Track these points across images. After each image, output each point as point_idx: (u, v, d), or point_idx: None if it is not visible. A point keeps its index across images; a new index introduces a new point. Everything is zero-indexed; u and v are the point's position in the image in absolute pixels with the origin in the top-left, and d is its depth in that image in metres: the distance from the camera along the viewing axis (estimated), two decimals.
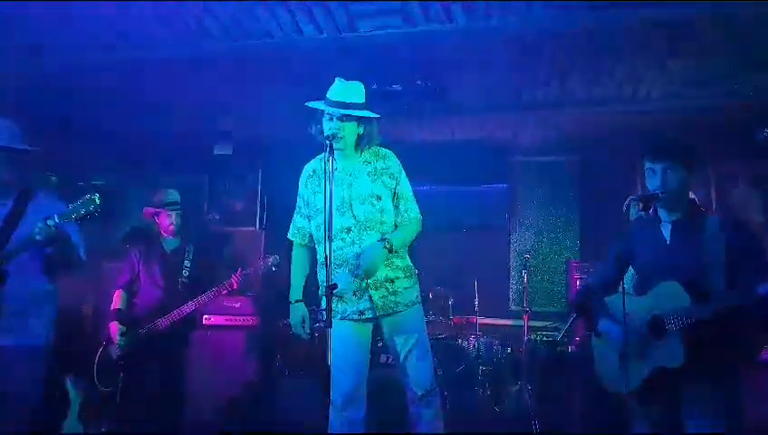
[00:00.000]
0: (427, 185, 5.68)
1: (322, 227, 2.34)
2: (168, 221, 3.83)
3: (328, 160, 2.34)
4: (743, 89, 3.95)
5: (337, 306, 2.58)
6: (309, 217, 2.71)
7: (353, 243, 2.58)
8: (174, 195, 3.89)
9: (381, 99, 3.35)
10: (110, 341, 3.72)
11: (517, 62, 3.61)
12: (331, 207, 2.29)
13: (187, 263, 3.83)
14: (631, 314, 2.28)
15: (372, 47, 3.20)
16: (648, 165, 2.35)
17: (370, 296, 2.55)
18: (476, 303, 4.84)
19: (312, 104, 2.52)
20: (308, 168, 2.73)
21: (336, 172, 2.57)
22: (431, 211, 5.61)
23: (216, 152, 5.84)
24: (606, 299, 2.49)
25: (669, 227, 2.38)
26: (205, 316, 4.89)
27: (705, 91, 4.06)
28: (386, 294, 2.57)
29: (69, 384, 3.69)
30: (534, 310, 4.83)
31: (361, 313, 2.58)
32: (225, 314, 4.96)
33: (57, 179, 5.70)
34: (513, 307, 5.45)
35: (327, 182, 2.25)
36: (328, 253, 2.28)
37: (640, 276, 2.50)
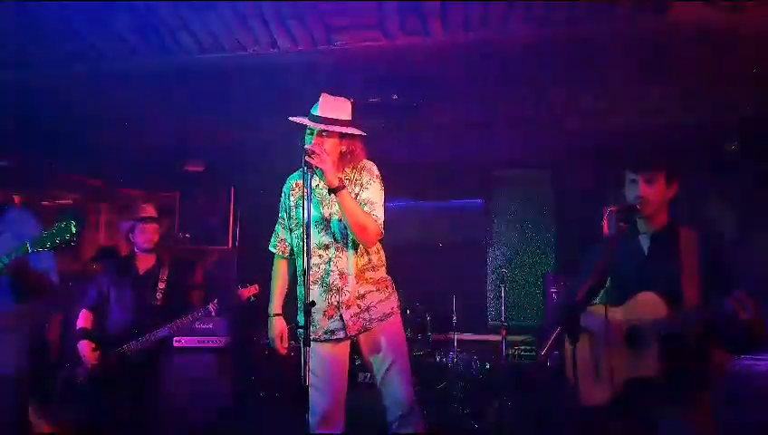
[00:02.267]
0: (404, 201, 5.69)
1: (301, 241, 2.31)
2: (145, 237, 3.62)
3: (307, 176, 2.29)
4: (712, 103, 4.04)
5: (309, 327, 2.46)
6: (291, 230, 2.64)
7: (330, 261, 2.51)
8: (150, 209, 3.72)
9: (358, 112, 3.29)
10: (76, 362, 3.49)
11: (494, 76, 3.62)
12: (309, 223, 2.24)
13: (161, 285, 3.64)
14: (608, 325, 2.25)
15: (349, 61, 3.15)
16: (629, 175, 2.34)
17: (341, 316, 2.47)
18: (454, 319, 4.81)
19: (294, 119, 2.46)
20: (291, 179, 2.67)
21: (317, 188, 2.52)
22: (408, 227, 5.78)
23: (187, 168, 5.67)
24: (583, 312, 2.47)
25: (648, 239, 2.38)
26: (176, 339, 4.73)
27: (677, 106, 4.14)
28: (357, 311, 2.49)
29: (32, 412, 3.45)
30: (512, 324, 4.79)
31: (333, 333, 2.50)
32: (197, 336, 4.80)
33: (20, 198, 5.54)
34: (491, 322, 5.42)
35: (305, 199, 2.21)
36: (306, 269, 2.21)
37: (618, 288, 2.47)
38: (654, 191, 2.28)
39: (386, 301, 2.54)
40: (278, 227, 2.71)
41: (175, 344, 4.75)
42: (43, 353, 4.60)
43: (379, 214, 2.49)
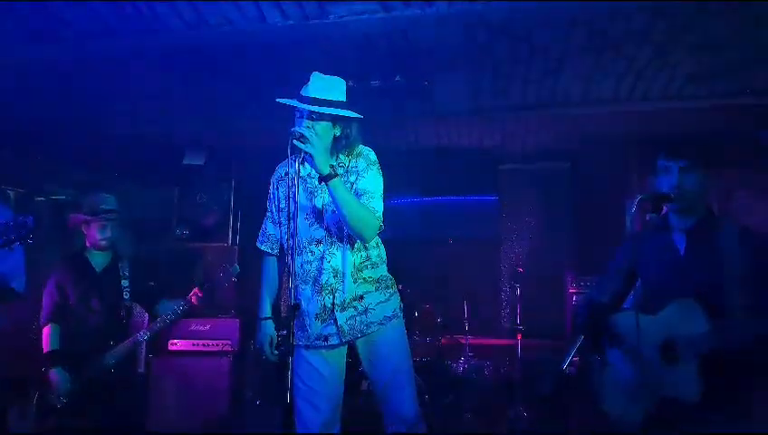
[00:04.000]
0: (410, 197, 5.48)
1: (291, 237, 2.14)
2: (100, 234, 3.21)
3: (294, 163, 2.08)
4: (747, 87, 3.68)
5: (299, 332, 2.31)
6: (280, 224, 2.43)
7: (323, 257, 2.27)
8: (110, 201, 3.28)
9: (358, 98, 3.01)
10: (46, 389, 3.08)
11: (505, 56, 3.32)
12: (296, 215, 2.07)
13: (124, 282, 3.28)
14: (641, 336, 1.97)
15: (345, 37, 2.86)
16: (662, 163, 2.11)
17: (335, 319, 2.25)
18: (466, 321, 4.58)
19: (283, 101, 2.23)
20: (280, 168, 2.46)
21: (308, 177, 2.30)
22: (415, 223, 5.63)
23: (185, 162, 5.42)
24: (611, 318, 2.19)
25: (683, 236, 2.10)
26: (170, 341, 4.51)
27: (706, 89, 3.79)
28: (354, 314, 2.26)
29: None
30: (528, 328, 4.52)
31: (325, 338, 2.28)
32: (192, 339, 4.55)
33: (14, 194, 5.38)
34: (505, 325, 5.19)
35: (292, 188, 2.08)
36: (291, 267, 2.02)
37: (649, 292, 2.22)
38: (691, 181, 2.04)
39: (386, 302, 2.32)
40: (266, 222, 2.50)
41: (170, 348, 4.54)
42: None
43: (377, 205, 2.26)
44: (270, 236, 2.48)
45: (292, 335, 1.96)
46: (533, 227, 5.36)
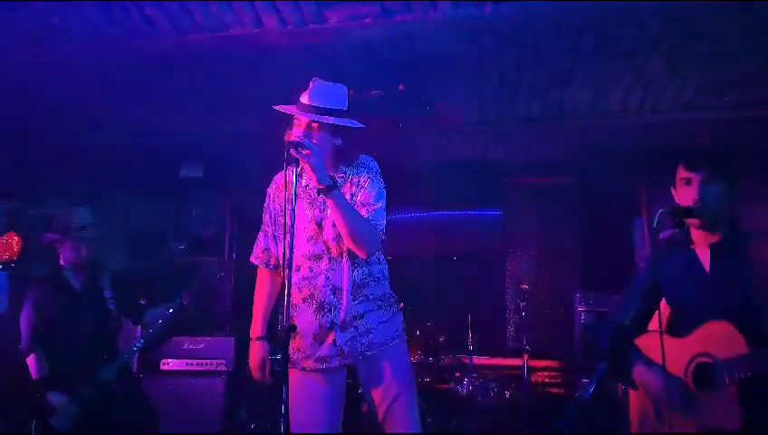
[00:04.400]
0: (411, 211, 5.37)
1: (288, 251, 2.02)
2: (75, 254, 2.95)
3: (291, 174, 1.98)
4: (759, 98, 3.56)
5: (296, 353, 2.18)
6: (276, 238, 2.31)
7: (321, 273, 2.14)
8: (85, 215, 3.02)
9: (359, 107, 2.88)
10: (45, 415, 2.87)
11: (512, 63, 3.20)
12: (293, 228, 1.92)
13: (107, 293, 3.08)
14: (671, 360, 1.83)
15: (345, 43, 2.74)
16: (683, 174, 1.97)
17: (334, 340, 2.11)
18: (470, 340, 4.38)
19: (281, 108, 2.12)
20: (278, 178, 2.33)
21: (306, 188, 2.19)
22: (416, 239, 5.49)
23: (182, 174, 5.32)
24: (636, 341, 2.05)
25: (708, 252, 1.96)
26: (163, 360, 4.32)
27: (717, 100, 3.67)
28: (354, 335, 2.13)
29: None
30: (535, 348, 4.36)
31: (324, 361, 2.14)
32: (185, 358, 4.35)
33: (7, 207, 5.27)
34: (510, 345, 5.00)
35: (290, 200, 1.96)
36: (287, 284, 1.86)
37: (676, 312, 2.06)
38: (714, 193, 1.91)
39: (389, 322, 2.19)
40: (261, 236, 2.37)
41: (162, 367, 4.36)
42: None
43: (379, 218, 2.13)
44: (265, 250, 2.36)
45: (287, 361, 1.83)
46: (539, 243, 5.19)
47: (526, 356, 4.20)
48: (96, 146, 4.69)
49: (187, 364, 4.32)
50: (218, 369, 4.27)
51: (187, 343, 4.31)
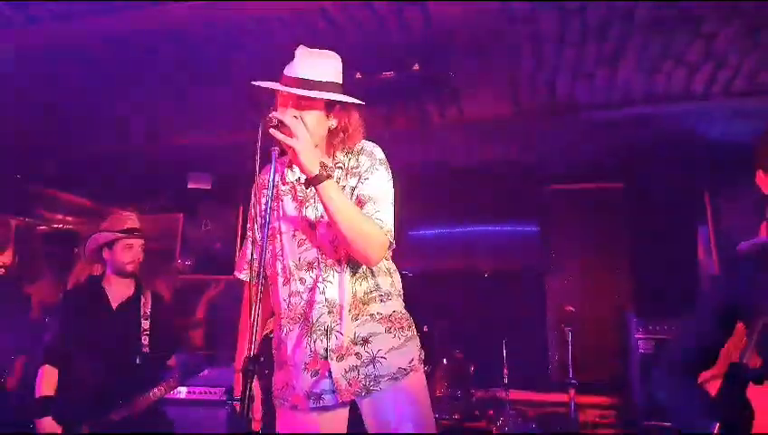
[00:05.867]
0: (437, 225, 5.07)
1: (280, 260, 1.80)
2: (126, 255, 2.81)
3: (274, 168, 1.62)
4: None
5: (284, 388, 1.83)
6: (262, 246, 1.88)
7: (315, 287, 1.77)
8: (135, 219, 2.94)
9: (367, 94, 2.43)
10: None
11: (551, 36, 2.70)
12: (279, 232, 1.74)
13: (144, 323, 2.82)
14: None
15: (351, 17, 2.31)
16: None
17: (330, 371, 1.75)
18: (505, 371, 3.99)
19: (260, 84, 1.77)
20: (263, 173, 1.96)
21: (298, 183, 1.84)
22: (443, 255, 5.19)
23: (190, 186, 5.06)
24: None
25: None
26: None
27: None
28: (355, 364, 1.75)
29: None
30: (583, 381, 3.90)
31: (318, 397, 1.78)
32: (186, 386, 3.93)
33: (15, 223, 5.13)
34: (554, 377, 4.62)
35: (275, 197, 1.76)
36: (256, 299, 1.51)
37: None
38: None
39: (402, 349, 1.81)
40: (246, 244, 2.00)
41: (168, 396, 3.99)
42: None
43: (386, 216, 1.76)
44: (251, 261, 1.96)
45: (248, 406, 1.44)
46: (584, 259, 4.80)
47: (573, 391, 3.78)
48: (101, 156, 4.50)
49: (188, 392, 3.97)
50: (221, 398, 3.93)
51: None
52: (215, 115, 3.77)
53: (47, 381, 2.70)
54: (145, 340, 2.81)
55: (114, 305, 2.83)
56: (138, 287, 2.89)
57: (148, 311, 2.87)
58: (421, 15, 2.50)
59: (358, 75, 2.77)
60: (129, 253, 2.82)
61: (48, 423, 2.59)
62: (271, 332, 2.01)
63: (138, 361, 2.76)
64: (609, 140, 4.02)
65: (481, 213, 4.90)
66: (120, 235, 2.81)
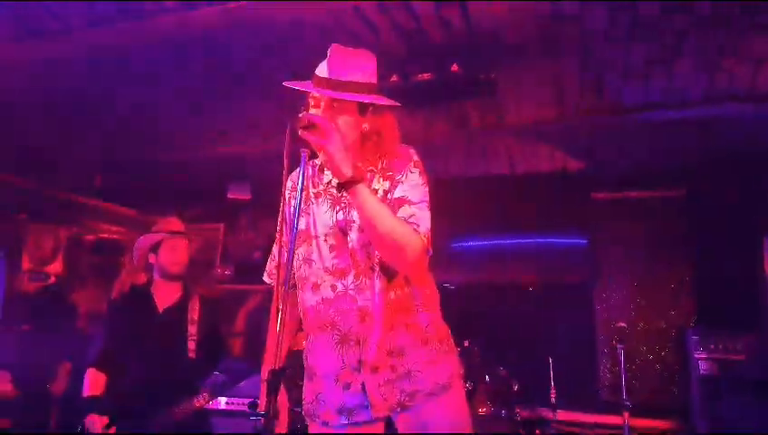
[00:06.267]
0: (479, 235, 4.87)
1: (310, 266, 1.72)
2: (175, 256, 2.81)
3: (304, 167, 1.57)
4: None
5: (314, 402, 1.74)
6: (293, 251, 1.82)
7: (346, 294, 1.68)
8: (177, 223, 2.97)
9: (404, 98, 2.32)
10: None
11: (599, 32, 2.51)
12: (293, 237, 1.54)
13: (191, 328, 2.79)
14: None
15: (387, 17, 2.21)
16: None
17: (363, 385, 1.65)
18: (552, 390, 3.76)
19: (291, 84, 1.72)
20: (294, 176, 1.92)
21: (329, 186, 1.78)
22: (485, 267, 4.99)
23: (230, 195, 5.09)
24: None
25: None
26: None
27: None
28: (390, 378, 1.66)
29: None
30: (638, 403, 3.65)
31: (349, 413, 1.69)
32: (222, 395, 3.82)
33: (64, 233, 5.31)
34: (605, 397, 4.30)
35: (296, 201, 1.61)
36: (281, 306, 1.52)
37: None
38: None
39: (439, 363, 1.72)
40: (275, 249, 1.93)
41: (196, 404, 3.94)
42: (41, 412, 3.93)
43: (422, 220, 1.67)
44: (279, 266, 1.91)
45: (271, 421, 1.41)
46: (639, 271, 4.47)
47: (627, 414, 3.46)
48: (146, 167, 4.55)
49: (227, 403, 3.88)
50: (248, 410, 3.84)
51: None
52: (255, 124, 3.75)
53: (93, 382, 2.72)
54: (191, 345, 2.75)
55: (160, 309, 2.80)
56: (185, 292, 2.86)
57: (196, 316, 2.81)
58: (460, 15, 2.39)
59: (394, 78, 2.67)
60: (174, 253, 2.81)
61: (97, 419, 2.59)
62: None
63: (182, 365, 2.70)
64: (664, 144, 3.76)
65: (525, 223, 4.66)
66: (165, 235, 2.82)
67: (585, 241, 4.65)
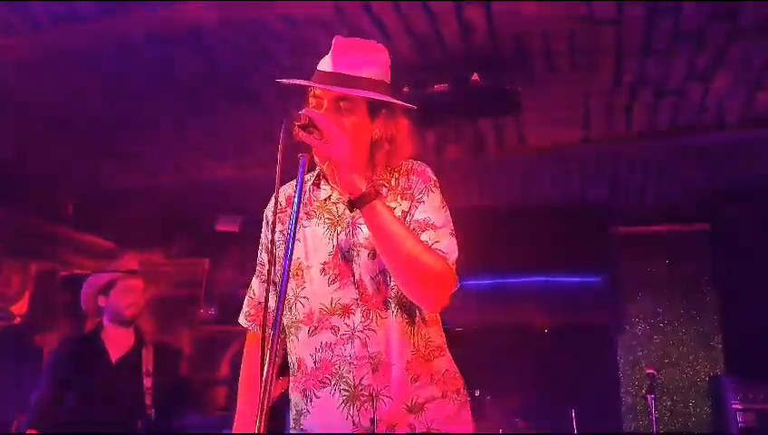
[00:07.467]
0: (489, 277, 4.57)
1: (304, 303, 1.41)
2: (130, 299, 2.55)
3: (302, 180, 1.24)
4: None
5: None
6: (275, 284, 1.49)
7: (356, 338, 1.37)
8: (133, 262, 2.77)
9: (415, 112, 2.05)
10: None
11: (622, 45, 2.27)
12: (288, 265, 1.20)
13: (147, 381, 2.49)
14: None
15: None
16: None
17: None
18: None
19: (288, 81, 1.42)
20: (283, 191, 1.59)
21: (326, 203, 1.48)
22: (495, 308, 4.71)
23: (218, 229, 4.79)
24: None
25: None
26: None
27: None
28: None
29: None
30: None
31: None
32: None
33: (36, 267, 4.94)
34: None
35: (295, 220, 1.24)
36: (262, 355, 1.13)
37: None
38: None
39: (458, 416, 1.47)
40: (254, 282, 1.61)
41: None
42: None
43: (450, 249, 1.40)
44: (259, 304, 1.57)
45: None
46: (663, 314, 4.24)
47: None
48: (128, 195, 4.27)
49: None
50: None
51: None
52: (244, 146, 3.48)
53: None
54: (148, 400, 2.43)
55: (114, 360, 2.51)
56: (138, 339, 2.59)
57: (151, 367, 2.53)
58: (483, 16, 2.14)
59: (405, 89, 2.39)
60: (129, 295, 2.56)
61: None
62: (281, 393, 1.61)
63: (140, 426, 2.38)
64: (695, 171, 3.55)
65: (541, 260, 4.39)
66: (118, 274, 2.58)
67: (605, 279, 4.38)
